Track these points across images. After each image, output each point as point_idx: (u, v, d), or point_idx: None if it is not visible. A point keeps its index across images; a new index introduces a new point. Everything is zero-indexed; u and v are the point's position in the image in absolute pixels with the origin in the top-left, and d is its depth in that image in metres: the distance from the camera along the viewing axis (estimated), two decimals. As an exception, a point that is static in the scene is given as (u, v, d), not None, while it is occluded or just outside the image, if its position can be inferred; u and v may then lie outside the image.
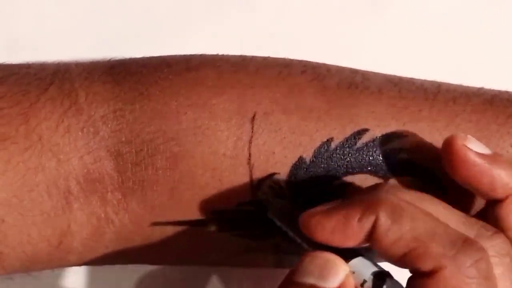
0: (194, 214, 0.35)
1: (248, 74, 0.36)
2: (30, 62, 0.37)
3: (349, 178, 0.35)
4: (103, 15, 0.46)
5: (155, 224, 0.35)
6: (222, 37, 0.38)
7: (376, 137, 0.35)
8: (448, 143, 0.33)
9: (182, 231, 0.36)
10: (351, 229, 0.31)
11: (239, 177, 0.35)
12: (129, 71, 0.36)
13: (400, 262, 0.31)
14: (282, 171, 0.35)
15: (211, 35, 0.39)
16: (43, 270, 0.38)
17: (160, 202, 0.35)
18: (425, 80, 0.37)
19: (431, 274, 0.31)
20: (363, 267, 0.32)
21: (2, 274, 0.35)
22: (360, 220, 0.31)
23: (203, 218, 0.35)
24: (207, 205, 0.35)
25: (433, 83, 0.37)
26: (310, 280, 0.31)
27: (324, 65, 0.37)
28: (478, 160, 0.33)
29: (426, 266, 0.31)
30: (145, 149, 0.34)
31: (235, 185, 0.35)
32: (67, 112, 0.34)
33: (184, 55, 0.37)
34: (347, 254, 0.32)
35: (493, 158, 0.33)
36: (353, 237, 0.31)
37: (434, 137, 0.35)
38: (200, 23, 0.45)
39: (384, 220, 0.31)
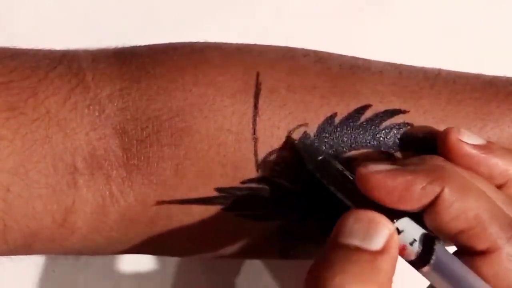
0: (199, 191, 0.35)
1: (252, 55, 0.37)
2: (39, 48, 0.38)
3: (353, 153, 0.35)
4: (103, 16, 0.47)
5: (160, 202, 0.35)
6: (222, 37, 0.39)
7: (379, 112, 0.35)
8: (443, 139, 0.34)
9: (187, 211, 0.36)
10: (412, 194, 0.31)
11: (243, 153, 0.35)
12: (136, 53, 0.37)
13: (453, 238, 0.32)
14: (287, 147, 0.35)
15: (212, 35, 0.40)
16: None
17: (165, 179, 0.35)
18: (424, 66, 0.38)
19: (485, 253, 0.31)
20: (411, 227, 0.32)
21: (4, 252, 0.35)
22: (424, 188, 0.31)
23: (208, 196, 0.35)
24: (211, 182, 0.35)
25: (433, 68, 0.38)
26: (355, 242, 0.31)
27: (326, 51, 0.38)
28: (473, 152, 0.34)
29: (482, 245, 0.31)
30: (150, 125, 0.35)
31: (240, 161, 0.35)
32: (75, 89, 0.35)
33: (189, 42, 0.38)
34: (392, 214, 0.32)
35: (488, 148, 0.34)
36: (411, 203, 0.31)
37: (436, 113, 0.36)
38: (201, 23, 0.46)
39: (449, 194, 0.31)
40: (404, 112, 0.35)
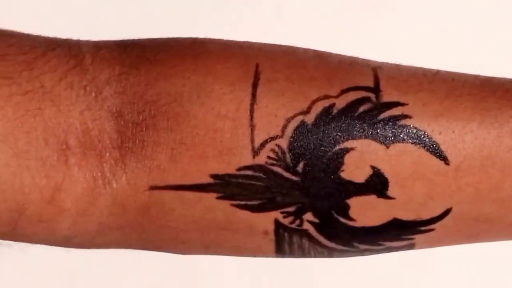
0: (193, 178, 0.35)
1: (253, 49, 0.37)
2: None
3: (350, 143, 0.35)
4: (103, 16, 0.47)
5: (153, 188, 0.35)
6: (223, 37, 0.39)
7: (378, 104, 0.35)
8: None
9: (180, 198, 0.35)
10: None
11: (240, 139, 0.35)
12: (137, 43, 0.37)
13: None
14: (284, 135, 0.35)
15: (212, 35, 0.40)
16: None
17: (159, 163, 0.34)
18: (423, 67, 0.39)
19: None
20: None
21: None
22: None
23: (202, 182, 0.35)
24: (206, 168, 0.35)
25: (431, 68, 0.38)
26: None
27: (327, 51, 0.39)
28: None
29: None
30: (147, 110, 0.35)
31: (236, 147, 0.35)
32: (72, 70, 0.35)
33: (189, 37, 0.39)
34: None
35: None
36: None
37: (435, 106, 0.35)
38: (201, 23, 0.46)
39: None
40: (402, 104, 0.35)
